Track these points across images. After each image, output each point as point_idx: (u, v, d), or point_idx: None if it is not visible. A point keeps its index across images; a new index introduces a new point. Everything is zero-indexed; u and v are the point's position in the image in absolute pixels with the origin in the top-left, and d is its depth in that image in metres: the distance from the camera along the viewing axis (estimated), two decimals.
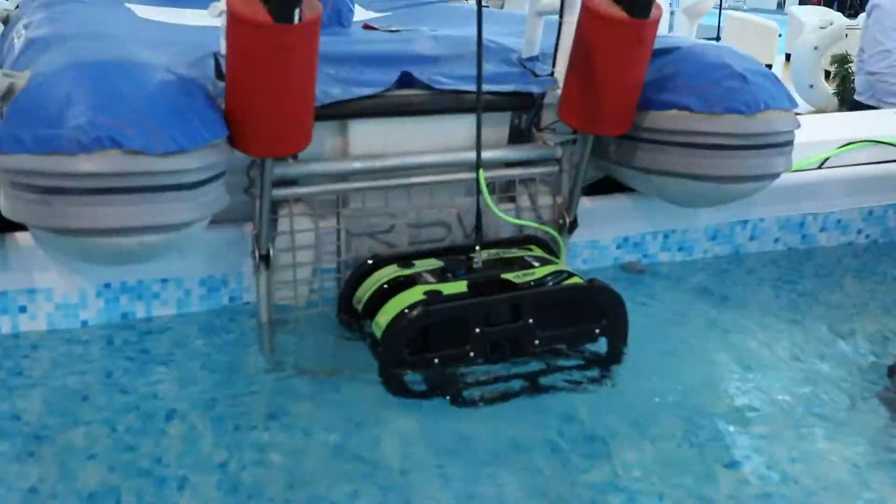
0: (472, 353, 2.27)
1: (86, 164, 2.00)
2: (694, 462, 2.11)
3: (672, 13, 8.87)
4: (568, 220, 2.85)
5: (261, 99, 2.13)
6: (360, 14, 3.56)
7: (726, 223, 3.26)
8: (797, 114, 2.79)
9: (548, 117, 2.82)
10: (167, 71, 2.22)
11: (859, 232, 3.51)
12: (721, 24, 11.00)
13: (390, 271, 2.47)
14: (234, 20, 2.05)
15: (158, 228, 2.13)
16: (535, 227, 2.75)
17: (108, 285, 2.55)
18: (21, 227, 2.37)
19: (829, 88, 6.72)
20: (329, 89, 2.48)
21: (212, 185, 2.23)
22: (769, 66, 5.59)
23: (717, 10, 11.53)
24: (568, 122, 2.65)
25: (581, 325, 2.39)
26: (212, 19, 2.33)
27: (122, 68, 2.15)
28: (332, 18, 3.08)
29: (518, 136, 2.85)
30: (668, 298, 2.98)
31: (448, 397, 2.26)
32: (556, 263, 2.56)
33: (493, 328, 2.29)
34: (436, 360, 2.25)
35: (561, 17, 2.71)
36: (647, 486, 2.02)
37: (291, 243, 2.57)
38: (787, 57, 8.35)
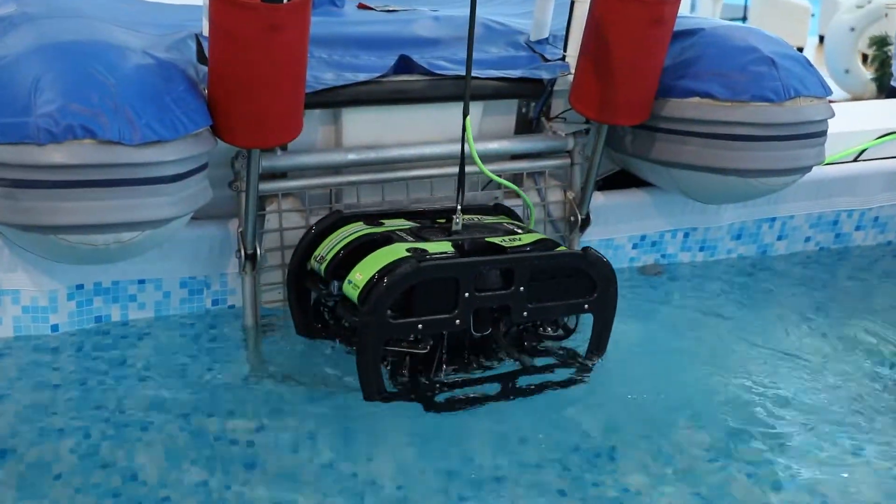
0: (458, 321, 2.22)
1: (56, 155, 2.01)
2: (714, 471, 2.13)
3: None
4: (580, 217, 2.86)
5: (247, 85, 2.13)
6: None
7: (752, 221, 3.26)
8: (831, 101, 2.79)
9: (558, 105, 2.82)
10: (145, 54, 2.23)
11: None
12: (748, 4, 10.99)
13: (357, 228, 2.42)
14: None
15: (135, 225, 2.14)
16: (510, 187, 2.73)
17: (80, 287, 2.55)
18: None
19: (867, 73, 6.71)
20: (321, 74, 2.49)
21: (193, 179, 2.24)
22: (800, 50, 5.59)
23: None
24: (580, 110, 2.65)
25: (570, 297, 2.36)
26: None
27: (96, 51, 2.16)
28: None
29: (526, 125, 2.85)
30: (688, 303, 2.98)
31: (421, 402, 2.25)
32: (538, 233, 2.54)
33: (484, 293, 2.24)
34: (420, 326, 2.20)
35: None
36: (661, 498, 2.03)
37: (280, 242, 2.58)
38: (821, 39, 8.35)
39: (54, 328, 2.56)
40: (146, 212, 2.13)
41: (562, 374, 2.42)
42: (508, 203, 2.78)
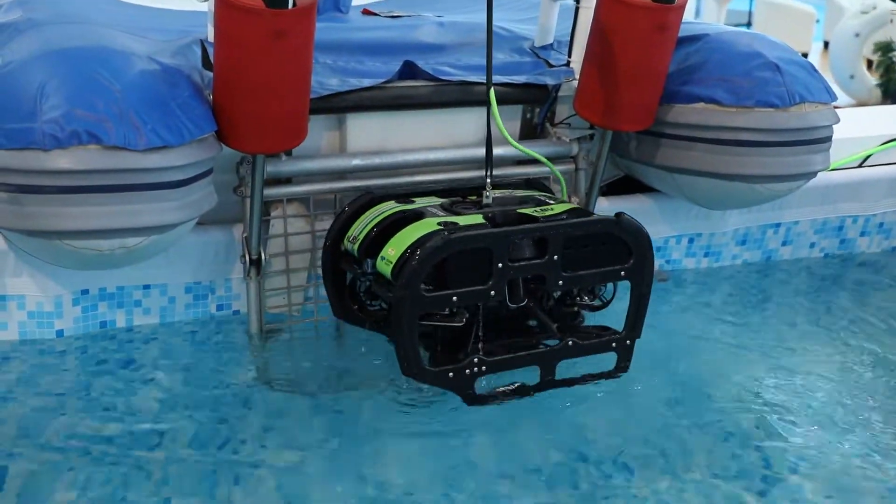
0: (493, 292, 2.19)
1: (61, 160, 2.01)
2: (720, 477, 2.12)
3: None
4: None
5: (252, 90, 2.13)
6: None
7: (757, 227, 3.26)
8: (836, 107, 2.79)
9: (563, 111, 2.82)
10: (150, 59, 2.23)
11: None
12: (752, 10, 10.99)
13: (389, 206, 2.42)
14: (223, 4, 2.06)
15: (141, 230, 2.14)
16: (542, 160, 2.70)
17: (85, 292, 2.56)
18: None
19: (872, 79, 6.70)
20: (326, 80, 2.49)
21: (198, 184, 2.24)
22: (805, 55, 5.58)
23: None
24: (585, 116, 2.65)
25: (606, 265, 2.32)
26: (198, 3, 2.34)
27: (101, 56, 2.16)
28: (329, 3, 3.08)
29: (530, 131, 2.85)
30: (693, 309, 2.98)
31: (461, 396, 2.22)
32: (570, 203, 2.53)
33: (518, 263, 2.21)
34: (454, 298, 2.17)
35: (577, 1, 2.71)
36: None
37: (285, 247, 2.58)
38: (826, 44, 8.34)
39: (59, 333, 2.56)
40: (151, 217, 2.13)
41: (599, 363, 2.38)
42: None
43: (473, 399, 2.24)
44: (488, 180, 2.39)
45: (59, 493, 2.01)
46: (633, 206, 3.06)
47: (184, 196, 2.19)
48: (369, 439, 2.23)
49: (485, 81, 2.38)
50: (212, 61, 2.26)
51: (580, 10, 2.71)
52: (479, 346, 2.26)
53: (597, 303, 2.48)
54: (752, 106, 2.61)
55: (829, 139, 2.78)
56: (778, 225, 3.29)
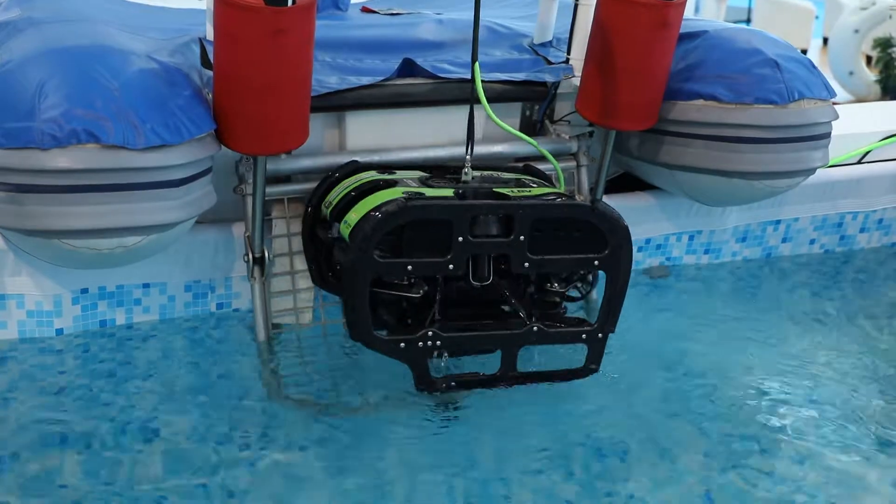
0: (451, 266, 2.14)
1: (60, 159, 2.01)
2: (715, 472, 2.13)
3: None
4: None
5: (252, 90, 2.12)
6: None
7: (757, 223, 3.25)
8: (835, 103, 2.78)
9: (562, 108, 2.81)
10: (148, 58, 2.23)
11: None
12: (752, 6, 10.98)
13: (368, 175, 2.39)
14: (223, 2, 2.05)
15: (140, 229, 2.14)
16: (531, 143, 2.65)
17: (85, 291, 2.55)
18: None
19: (871, 75, 6.69)
20: (325, 78, 2.48)
21: (198, 183, 2.24)
22: (804, 52, 5.58)
23: None
24: (588, 116, 2.64)
25: (580, 252, 2.25)
26: (197, 1, 2.33)
27: (100, 55, 2.16)
28: (329, 0, 3.08)
29: (530, 128, 2.84)
30: (694, 305, 2.98)
31: (413, 375, 2.18)
32: (557, 188, 2.48)
33: (480, 239, 2.16)
34: (409, 268, 2.13)
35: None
36: (667, 499, 2.04)
37: (288, 248, 2.56)
38: (825, 41, 8.33)
39: (59, 332, 2.56)
40: (150, 216, 2.13)
41: (569, 359, 2.35)
42: None
43: (424, 379, 2.19)
44: (468, 156, 2.34)
45: (60, 488, 2.01)
46: (632, 204, 3.06)
47: (183, 195, 2.19)
48: (370, 434, 2.22)
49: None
50: (210, 60, 2.25)
51: (579, 8, 2.71)
52: (437, 321, 2.20)
53: (574, 294, 2.43)
54: (751, 103, 2.60)
55: (828, 136, 2.78)
56: (778, 222, 3.28)
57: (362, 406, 2.33)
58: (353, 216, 2.15)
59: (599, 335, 2.29)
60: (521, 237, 2.16)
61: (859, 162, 3.41)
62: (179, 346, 2.58)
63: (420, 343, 2.17)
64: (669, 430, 2.29)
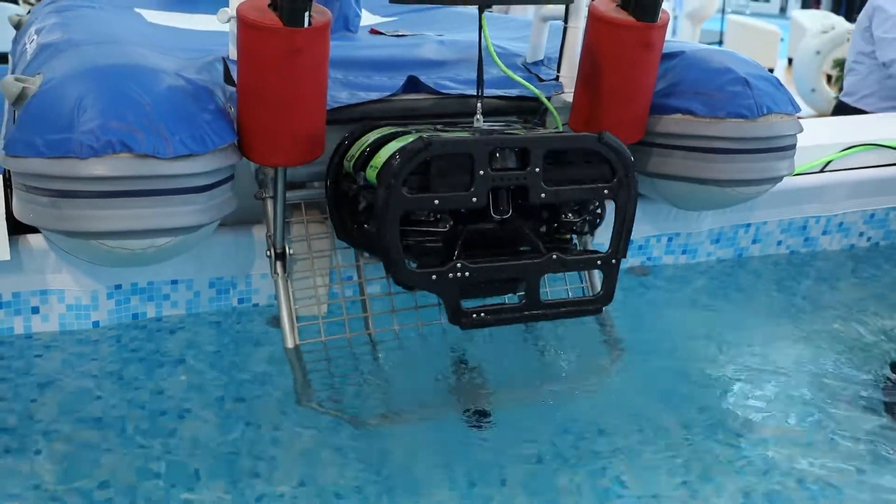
0: (474, 199, 2.08)
1: (97, 167, 2.00)
2: (694, 464, 2.11)
3: (675, 18, 8.87)
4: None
5: (271, 104, 2.12)
6: (368, 19, 3.55)
7: (729, 226, 3.25)
8: (799, 118, 2.78)
9: (553, 122, 2.80)
10: (177, 76, 2.22)
11: (861, 235, 3.50)
12: (724, 29, 10.99)
13: (386, 129, 2.34)
14: (245, 24, 2.05)
15: (169, 231, 2.13)
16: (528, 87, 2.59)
17: (119, 287, 2.55)
18: (34, 230, 2.37)
19: (831, 92, 6.71)
20: (337, 94, 2.48)
21: (221, 189, 2.23)
22: (771, 71, 5.58)
23: (720, 15, 11.53)
24: (578, 131, 2.62)
25: (589, 182, 2.20)
26: (220, 24, 2.32)
27: (133, 73, 2.15)
28: (340, 23, 3.07)
29: None
30: (672, 301, 2.98)
31: (448, 310, 2.10)
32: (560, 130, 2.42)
33: (499, 172, 2.10)
34: (436, 202, 2.07)
35: (566, 22, 2.70)
36: (650, 489, 2.02)
37: (308, 251, 2.53)
38: (790, 61, 8.34)
39: (95, 324, 2.56)
40: (178, 219, 2.12)
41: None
42: None
43: (456, 312, 2.12)
44: (479, 103, 2.28)
45: (96, 466, 2.02)
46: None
47: (208, 200, 2.18)
48: (394, 440, 2.21)
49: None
50: (233, 77, 2.25)
51: (568, 30, 2.70)
52: (464, 254, 2.15)
53: (586, 228, 2.36)
54: (724, 117, 2.60)
55: (793, 147, 2.77)
56: (748, 225, 3.28)
57: (389, 414, 2.28)
58: (379, 160, 2.09)
59: (613, 261, 2.23)
60: (537, 169, 2.11)
61: (821, 171, 3.40)
62: (204, 337, 2.58)
63: (450, 275, 2.10)
64: (648, 417, 2.27)
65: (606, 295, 2.26)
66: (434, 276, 2.09)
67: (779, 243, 3.37)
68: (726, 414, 2.32)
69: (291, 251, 2.47)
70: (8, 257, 2.36)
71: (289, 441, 2.13)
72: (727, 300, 3.02)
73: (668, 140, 2.69)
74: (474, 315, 2.14)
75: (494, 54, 2.40)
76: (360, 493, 1.95)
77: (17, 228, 2.36)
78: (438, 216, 2.14)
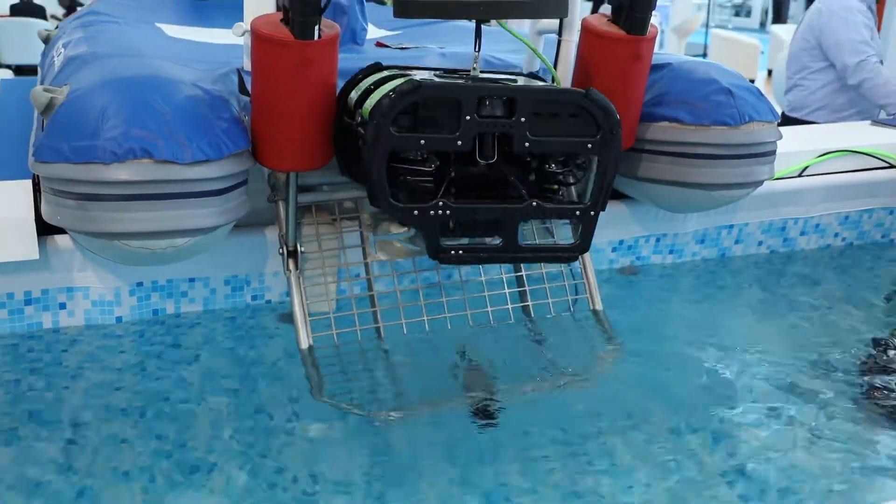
0: (459, 142, 2.04)
1: (119, 172, 2.01)
2: (679, 458, 2.10)
3: (662, 32, 8.88)
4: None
5: (283, 113, 2.12)
6: (374, 32, 3.56)
7: (714, 227, 3.25)
8: (779, 125, 2.78)
9: None
10: (194, 86, 2.22)
11: (836, 235, 3.50)
12: (708, 42, 10.99)
13: (388, 72, 2.30)
14: (259, 38, 2.05)
15: (187, 232, 2.14)
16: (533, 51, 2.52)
17: (140, 284, 2.55)
18: (61, 231, 2.38)
19: None
20: None
21: (235, 192, 2.23)
22: (752, 81, 5.57)
23: (705, 29, 11.53)
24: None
25: (574, 136, 2.13)
26: (235, 38, 2.33)
27: (153, 84, 2.15)
28: (348, 37, 3.07)
29: None
30: (660, 298, 2.98)
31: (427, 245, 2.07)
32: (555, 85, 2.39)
33: (486, 119, 2.05)
34: (422, 142, 2.03)
35: (560, 35, 2.70)
36: (638, 478, 2.02)
37: (319, 251, 2.52)
38: (769, 72, 8.34)
39: (118, 319, 2.56)
40: (196, 221, 2.13)
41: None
42: None
43: (435, 247, 2.10)
44: (476, 53, 2.23)
45: (119, 451, 2.03)
46: (608, 211, 2.99)
47: (223, 203, 2.18)
48: (402, 433, 2.19)
49: None
50: (247, 88, 2.25)
51: (562, 43, 2.69)
52: (448, 195, 2.12)
53: (570, 179, 2.31)
54: (709, 125, 2.60)
55: (773, 153, 2.77)
56: (731, 226, 3.28)
57: (398, 408, 2.24)
58: (372, 101, 2.07)
59: (591, 213, 2.19)
60: (523, 119, 2.06)
61: (799, 175, 3.40)
62: (220, 332, 2.58)
63: (432, 212, 2.08)
64: (638, 415, 2.26)
65: (583, 245, 2.21)
66: (416, 212, 2.07)
67: (760, 243, 3.37)
68: (715, 406, 2.31)
69: (303, 249, 2.47)
70: (37, 256, 2.37)
71: (300, 431, 2.13)
72: (711, 297, 3.02)
73: (657, 146, 2.69)
74: (452, 252, 2.12)
75: (510, 30, 2.33)
76: (368, 484, 1.95)
77: (45, 229, 2.36)
78: (425, 156, 2.11)
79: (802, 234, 3.43)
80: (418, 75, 2.22)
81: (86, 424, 2.12)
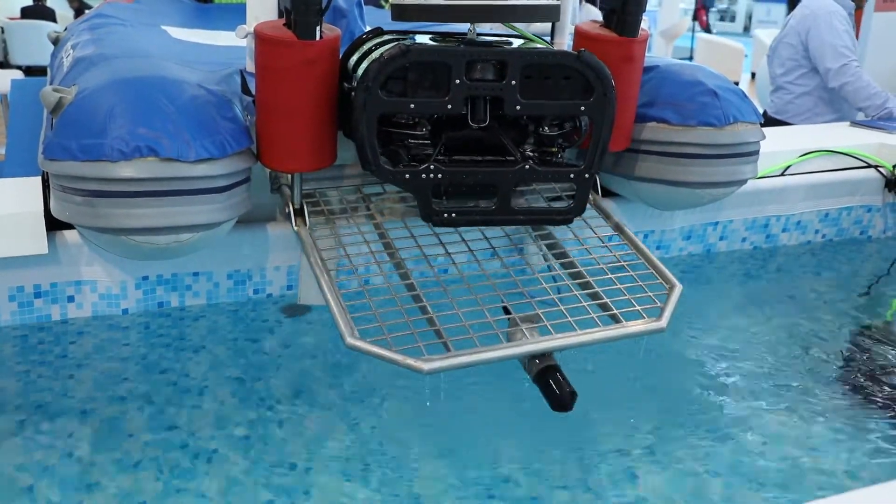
0: (449, 105, 1.99)
1: (126, 169, 2.00)
2: (663, 447, 2.09)
3: (650, 35, 8.88)
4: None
5: (286, 113, 2.11)
6: None
7: (699, 224, 3.25)
8: (762, 126, 2.78)
9: None
10: (198, 86, 2.21)
11: (816, 232, 3.51)
12: (694, 46, 11.00)
13: (387, 36, 2.26)
14: (262, 40, 2.04)
15: (191, 228, 2.13)
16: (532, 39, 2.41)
17: (146, 278, 2.54)
18: (69, 226, 2.37)
19: None
20: None
21: (238, 189, 2.22)
22: (737, 83, 5.58)
23: (691, 34, 11.54)
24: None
25: (567, 99, 2.07)
26: (238, 40, 2.32)
27: (159, 84, 2.14)
28: (347, 39, 3.06)
29: None
30: None
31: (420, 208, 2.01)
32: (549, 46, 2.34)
33: (475, 82, 2.00)
34: (412, 105, 1.99)
35: (552, 39, 2.69)
36: (623, 474, 2.02)
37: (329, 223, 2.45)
38: (753, 75, 8.34)
39: (124, 311, 2.55)
40: (200, 217, 2.12)
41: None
42: None
43: (429, 211, 2.06)
44: (470, 26, 2.16)
45: (125, 439, 2.02)
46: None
47: (226, 199, 2.17)
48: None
49: None
50: (250, 88, 2.24)
51: (554, 46, 2.69)
52: (440, 158, 2.07)
53: (564, 143, 2.26)
54: (695, 125, 2.60)
55: (757, 153, 2.77)
56: (716, 223, 3.28)
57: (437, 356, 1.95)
58: (364, 64, 2.04)
59: (586, 175, 2.14)
60: (514, 81, 2.01)
61: (782, 174, 3.40)
62: (223, 324, 2.57)
63: (423, 175, 2.04)
64: (623, 405, 2.26)
65: (577, 207, 2.17)
66: (408, 175, 2.04)
67: (743, 240, 3.37)
68: (699, 399, 2.32)
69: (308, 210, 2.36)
70: (46, 251, 2.36)
71: (301, 419, 2.12)
72: (697, 291, 3.01)
73: (644, 146, 2.68)
74: (445, 214, 2.09)
75: (511, 25, 2.29)
76: (366, 473, 1.95)
77: (54, 225, 2.35)
78: (417, 120, 2.07)
79: (784, 230, 3.44)
80: (417, 39, 2.17)
81: (93, 412, 2.12)
